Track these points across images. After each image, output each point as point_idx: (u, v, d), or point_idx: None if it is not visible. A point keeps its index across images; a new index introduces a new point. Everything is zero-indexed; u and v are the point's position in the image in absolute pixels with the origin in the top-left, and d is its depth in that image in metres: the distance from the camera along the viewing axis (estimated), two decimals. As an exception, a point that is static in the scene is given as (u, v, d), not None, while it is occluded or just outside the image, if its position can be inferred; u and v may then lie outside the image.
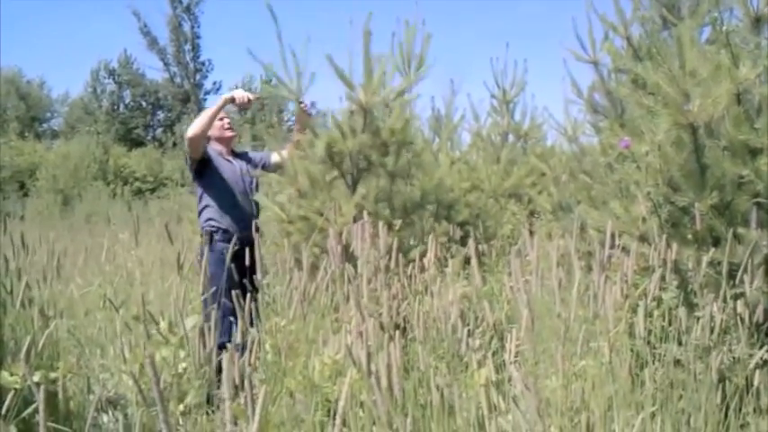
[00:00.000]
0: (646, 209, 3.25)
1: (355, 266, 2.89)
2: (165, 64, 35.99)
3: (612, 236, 2.71)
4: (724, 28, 3.32)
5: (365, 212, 3.17)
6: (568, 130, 6.13)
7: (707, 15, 3.55)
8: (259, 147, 15.70)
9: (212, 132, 4.27)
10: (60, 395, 2.69)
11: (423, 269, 3.17)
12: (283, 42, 4.36)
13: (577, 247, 2.85)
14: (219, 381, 2.35)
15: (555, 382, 2.49)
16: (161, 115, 37.72)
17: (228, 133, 4.35)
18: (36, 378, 2.51)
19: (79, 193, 19.40)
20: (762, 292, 2.90)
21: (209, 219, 4.17)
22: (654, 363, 2.62)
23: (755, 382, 2.63)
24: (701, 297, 2.78)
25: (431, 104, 8.54)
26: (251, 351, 2.51)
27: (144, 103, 37.49)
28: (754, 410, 2.64)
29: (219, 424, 2.56)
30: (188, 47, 35.70)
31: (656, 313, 2.75)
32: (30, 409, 2.34)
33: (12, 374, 2.54)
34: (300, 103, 4.45)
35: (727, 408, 2.58)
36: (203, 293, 2.84)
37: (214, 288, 2.80)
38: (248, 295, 2.49)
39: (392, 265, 3.06)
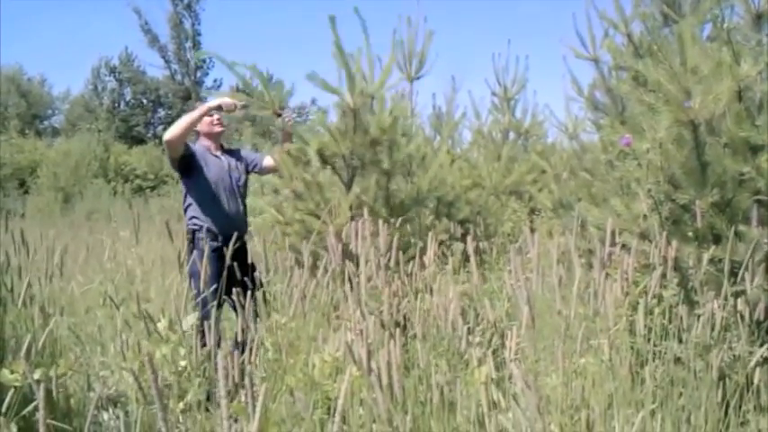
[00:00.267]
0: (646, 206, 3.24)
1: (355, 264, 2.89)
2: (166, 61, 36.05)
3: (613, 233, 2.71)
4: (725, 25, 3.31)
5: (365, 210, 3.17)
6: (569, 127, 6.14)
7: (708, 12, 3.54)
8: (258, 146, 15.69)
9: (201, 128, 4.26)
10: (55, 392, 2.69)
11: (423, 266, 3.17)
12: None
13: (578, 244, 2.85)
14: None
15: (555, 380, 2.49)
16: (162, 113, 37.71)
17: (217, 129, 4.31)
18: (36, 376, 2.51)
19: (80, 191, 19.41)
20: (762, 289, 2.89)
21: (193, 217, 4.16)
22: (654, 360, 2.62)
23: (756, 380, 2.63)
24: (702, 294, 2.78)
25: (432, 102, 8.53)
26: (250, 350, 2.52)
27: (145, 101, 37.49)
28: (755, 408, 2.64)
29: (219, 421, 2.56)
30: (189, 44, 35.72)
31: (656, 311, 2.74)
32: (30, 407, 2.34)
33: (12, 372, 2.54)
34: (279, 115, 4.43)
35: (728, 405, 2.58)
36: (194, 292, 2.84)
37: (196, 289, 2.79)
38: (234, 294, 2.48)
39: (392, 263, 3.05)
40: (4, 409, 2.17)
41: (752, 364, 2.60)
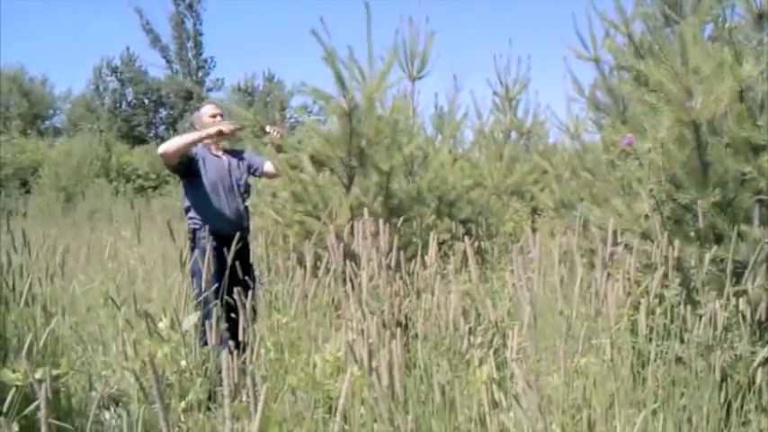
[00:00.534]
0: (648, 206, 3.24)
1: (356, 264, 2.90)
2: (168, 61, 36.07)
3: (615, 233, 2.71)
4: (727, 25, 3.31)
5: (365, 210, 3.17)
6: (571, 127, 6.13)
7: (709, 12, 3.54)
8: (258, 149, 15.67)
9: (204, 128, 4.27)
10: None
11: (424, 266, 3.17)
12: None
13: (579, 244, 2.85)
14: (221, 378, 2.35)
15: (557, 380, 2.49)
16: (163, 113, 37.73)
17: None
18: (38, 375, 2.51)
19: (82, 191, 19.40)
20: (764, 289, 2.89)
21: (192, 217, 4.20)
22: (656, 360, 2.62)
23: (758, 380, 2.62)
24: (704, 294, 2.78)
25: (434, 101, 8.52)
26: (252, 350, 2.52)
27: (146, 101, 37.49)
28: (756, 408, 2.64)
29: (221, 421, 2.56)
30: (190, 44, 35.75)
31: (658, 311, 2.74)
32: (32, 407, 2.34)
33: (14, 371, 2.54)
34: (267, 132, 4.44)
35: (729, 405, 2.57)
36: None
37: (197, 288, 2.80)
38: (236, 293, 2.49)
39: (393, 262, 3.06)
40: (5, 409, 2.18)
41: (755, 364, 2.60)
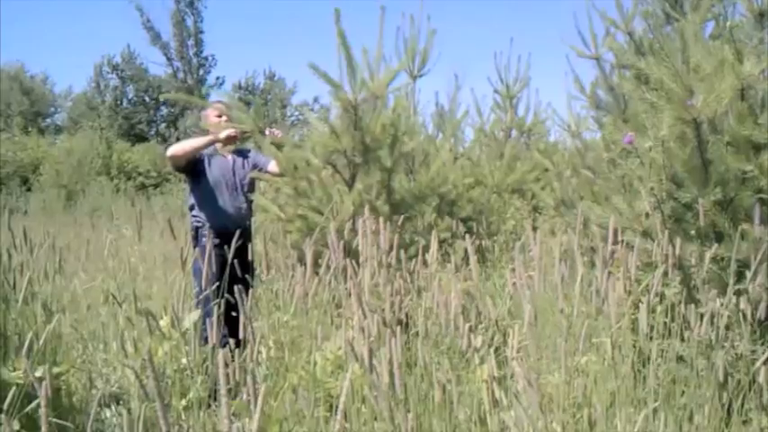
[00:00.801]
0: (649, 204, 3.24)
1: (356, 262, 2.89)
2: (169, 59, 36.00)
3: (615, 231, 2.70)
4: (728, 23, 3.31)
5: (366, 208, 3.17)
6: (571, 125, 6.13)
7: (710, 10, 3.53)
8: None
9: (210, 129, 4.33)
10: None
11: (425, 264, 3.17)
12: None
13: (580, 242, 2.84)
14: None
15: (557, 378, 2.49)
16: (164, 111, 37.68)
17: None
18: (38, 373, 2.51)
19: (82, 189, 19.39)
20: (764, 288, 2.89)
21: (195, 215, 4.25)
22: (656, 359, 2.62)
23: (759, 379, 2.62)
24: (704, 293, 2.77)
25: (434, 100, 8.52)
26: (251, 348, 2.51)
27: (147, 99, 37.45)
28: (757, 407, 2.64)
29: (220, 419, 2.56)
30: (191, 42, 35.71)
31: (658, 309, 2.74)
32: (33, 404, 2.35)
33: (14, 369, 2.55)
34: (265, 134, 4.47)
35: (730, 404, 2.57)
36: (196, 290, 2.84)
37: (197, 286, 2.80)
38: (236, 291, 2.48)
39: (393, 261, 3.05)
40: (6, 407, 2.18)
41: (758, 364, 2.59)
